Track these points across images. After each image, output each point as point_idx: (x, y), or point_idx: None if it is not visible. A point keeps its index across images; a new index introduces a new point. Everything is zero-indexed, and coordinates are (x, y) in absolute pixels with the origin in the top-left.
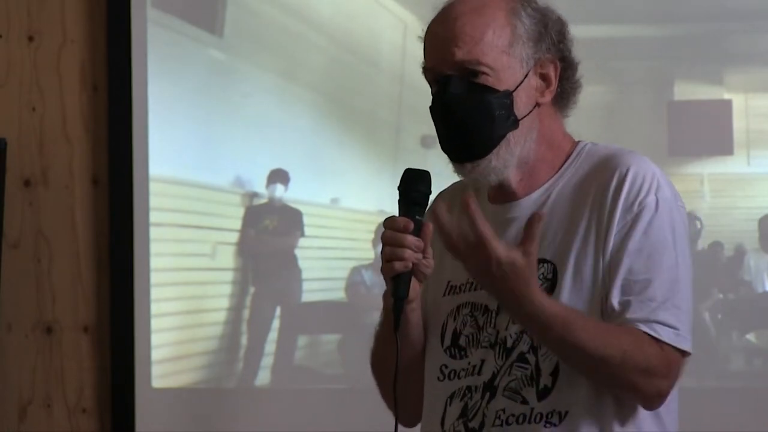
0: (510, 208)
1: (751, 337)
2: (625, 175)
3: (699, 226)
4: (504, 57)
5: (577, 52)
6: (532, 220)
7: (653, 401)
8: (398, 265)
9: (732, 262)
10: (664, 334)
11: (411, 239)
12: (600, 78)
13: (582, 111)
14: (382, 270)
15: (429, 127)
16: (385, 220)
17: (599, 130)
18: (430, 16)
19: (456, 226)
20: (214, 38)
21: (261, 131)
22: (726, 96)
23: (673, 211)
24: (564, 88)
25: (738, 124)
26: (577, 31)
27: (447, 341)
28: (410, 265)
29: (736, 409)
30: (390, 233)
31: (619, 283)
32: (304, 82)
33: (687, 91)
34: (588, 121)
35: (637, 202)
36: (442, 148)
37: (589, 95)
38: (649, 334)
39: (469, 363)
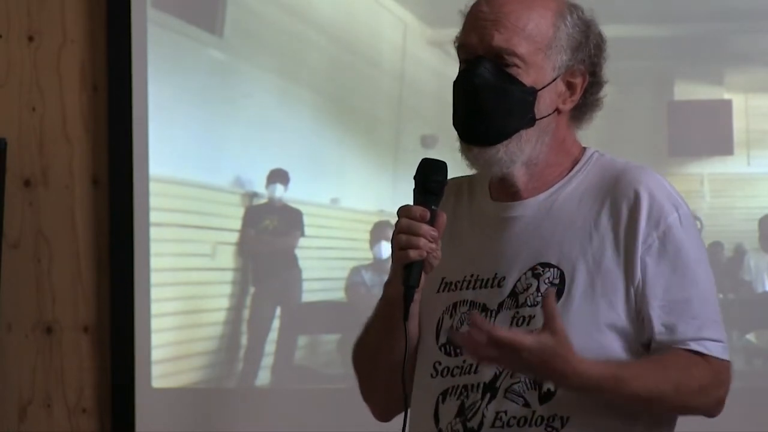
0: (513, 206)
1: (751, 337)
2: (643, 193)
3: (699, 226)
4: (539, 55)
5: None
6: (546, 300)
7: (715, 411)
8: (413, 254)
9: (732, 262)
10: (715, 350)
11: (426, 228)
12: None
13: None
14: (394, 257)
15: (429, 127)
16: (401, 208)
17: (599, 130)
18: (431, 16)
19: (479, 334)
20: (214, 38)
21: (261, 131)
22: (726, 96)
23: (693, 226)
24: (586, 101)
25: (738, 124)
26: None
27: (443, 338)
28: (425, 254)
29: (736, 409)
30: (406, 221)
31: (660, 303)
32: (305, 82)
33: (687, 91)
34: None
35: (661, 221)
36: (454, 124)
37: None
38: (696, 352)
39: (464, 361)
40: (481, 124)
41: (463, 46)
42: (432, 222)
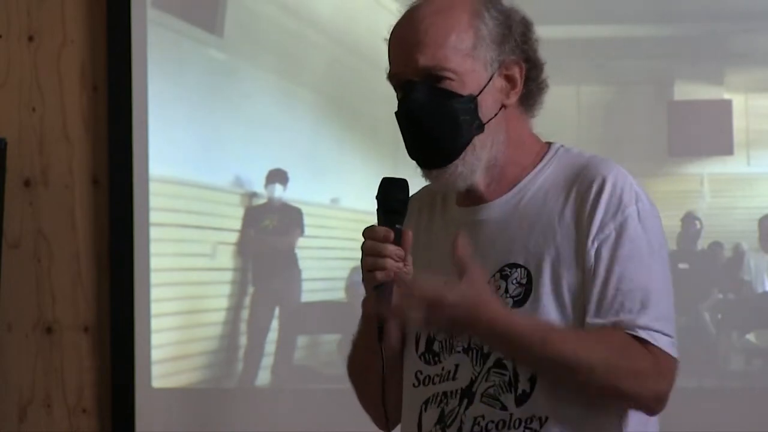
0: (479, 210)
1: (751, 337)
2: (604, 185)
3: (699, 226)
4: (468, 61)
5: (577, 52)
6: (456, 250)
7: (654, 405)
8: (380, 275)
9: (732, 262)
10: (661, 342)
11: (392, 249)
12: (600, 78)
13: (582, 111)
14: (364, 280)
15: None
16: (365, 230)
17: (599, 130)
18: None
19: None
20: (214, 38)
21: (261, 131)
22: (726, 96)
23: (654, 221)
24: (530, 88)
25: (738, 124)
26: (577, 31)
27: (421, 347)
28: (392, 274)
29: (736, 409)
30: (371, 243)
31: (611, 293)
32: (304, 82)
33: (687, 91)
34: (588, 121)
35: (619, 213)
36: (409, 154)
37: (589, 95)
38: (640, 339)
39: (443, 368)
40: (432, 146)
41: (393, 76)
42: (397, 241)
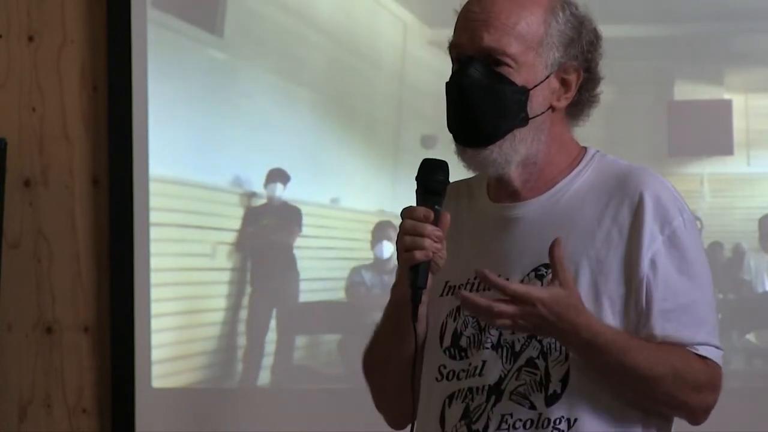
0: (515, 207)
1: (751, 337)
2: (648, 196)
3: (699, 226)
4: (530, 53)
5: None
6: (553, 250)
7: (700, 416)
8: (419, 255)
9: (732, 262)
10: (715, 356)
11: (431, 229)
12: None
13: None
14: (400, 260)
15: (429, 127)
16: (404, 210)
17: (599, 130)
18: (431, 16)
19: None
20: (214, 38)
21: (261, 131)
22: (726, 96)
23: (696, 229)
24: (581, 98)
25: (738, 124)
26: None
27: (447, 341)
28: (431, 254)
29: (736, 409)
30: (411, 223)
31: (668, 305)
32: (304, 82)
33: (687, 91)
34: (588, 121)
35: (666, 224)
36: (448, 126)
37: None
38: (699, 355)
39: (469, 364)
40: (474, 125)
41: (454, 46)
42: (436, 222)
